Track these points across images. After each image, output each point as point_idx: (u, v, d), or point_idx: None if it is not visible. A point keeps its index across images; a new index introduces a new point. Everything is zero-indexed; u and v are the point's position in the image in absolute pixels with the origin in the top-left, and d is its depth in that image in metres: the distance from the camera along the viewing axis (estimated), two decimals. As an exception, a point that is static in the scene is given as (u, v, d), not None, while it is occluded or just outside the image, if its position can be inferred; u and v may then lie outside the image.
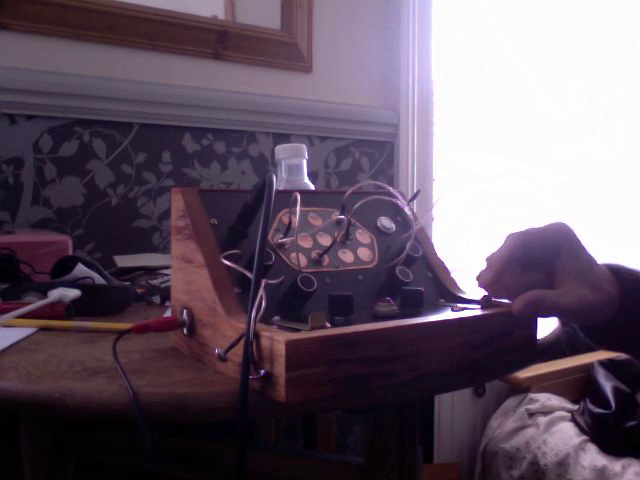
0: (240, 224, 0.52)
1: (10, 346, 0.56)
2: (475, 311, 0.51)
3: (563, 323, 0.54)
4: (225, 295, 0.47)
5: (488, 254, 0.52)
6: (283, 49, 1.41)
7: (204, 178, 1.33)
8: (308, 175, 0.87)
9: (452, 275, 0.61)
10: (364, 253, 0.57)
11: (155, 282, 0.87)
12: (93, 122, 1.20)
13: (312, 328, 0.43)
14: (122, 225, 1.23)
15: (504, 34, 1.82)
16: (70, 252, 0.90)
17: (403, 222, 0.62)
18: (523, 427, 1.46)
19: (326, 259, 0.55)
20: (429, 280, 0.59)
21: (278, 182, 0.85)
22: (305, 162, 0.87)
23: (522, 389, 1.56)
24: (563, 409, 1.50)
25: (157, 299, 0.81)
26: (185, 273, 0.52)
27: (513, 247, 0.51)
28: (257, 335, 0.42)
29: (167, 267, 0.97)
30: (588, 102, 2.04)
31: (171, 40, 1.27)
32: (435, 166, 1.65)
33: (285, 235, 0.53)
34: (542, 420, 1.45)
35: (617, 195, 2.13)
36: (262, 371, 0.41)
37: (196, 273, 0.50)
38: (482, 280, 0.51)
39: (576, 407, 1.50)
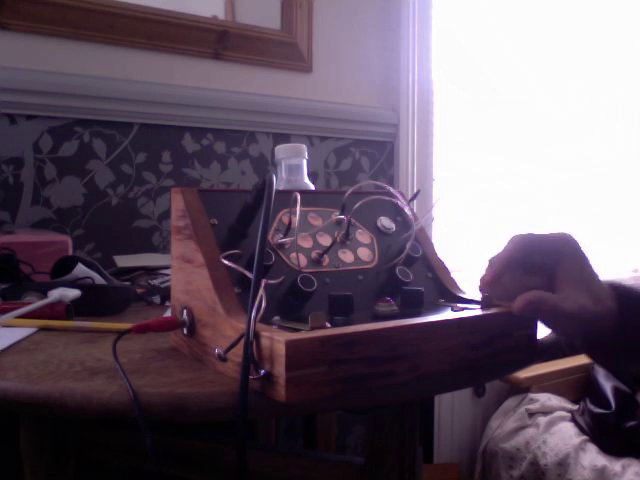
0: (240, 224, 0.52)
1: (10, 346, 0.56)
2: (475, 311, 0.51)
3: (558, 332, 0.53)
4: (225, 295, 0.47)
5: (491, 255, 0.52)
6: (283, 49, 1.41)
7: (204, 178, 1.33)
8: (308, 175, 0.87)
9: (452, 275, 0.61)
10: (364, 253, 0.58)
11: (155, 282, 0.87)
12: (93, 122, 1.20)
13: (312, 328, 0.43)
14: (122, 225, 1.23)
15: (504, 34, 1.82)
16: (70, 252, 0.90)
17: (403, 222, 0.62)
18: (523, 427, 1.46)
19: (326, 259, 0.55)
20: (429, 280, 0.59)
21: (278, 182, 0.85)
22: (305, 162, 0.87)
23: (522, 389, 1.56)
24: (563, 409, 1.50)
25: (157, 299, 0.81)
26: (185, 273, 0.52)
27: (515, 249, 0.51)
28: (257, 335, 0.42)
29: (167, 267, 0.97)
30: (588, 102, 2.04)
31: (171, 40, 1.27)
32: (435, 166, 1.64)
33: (285, 235, 0.53)
34: (542, 420, 1.45)
35: (617, 195, 2.13)
36: (262, 371, 0.41)
37: (196, 273, 0.50)
38: (481, 280, 0.51)
39: (576, 407, 1.50)
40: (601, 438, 1.37)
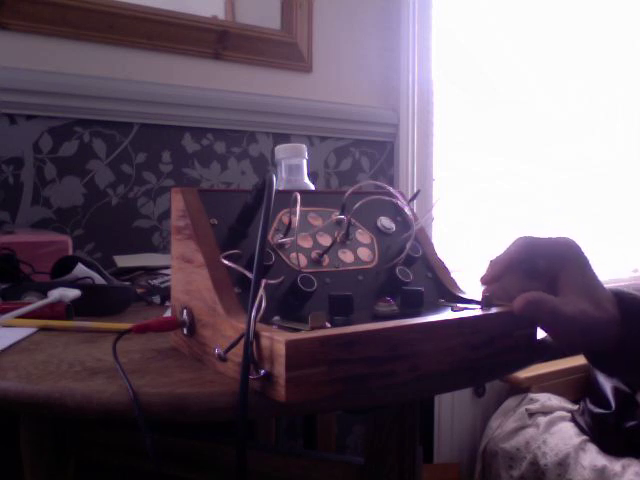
0: (240, 224, 0.52)
1: (10, 346, 0.56)
2: (475, 311, 0.51)
3: (559, 338, 0.52)
4: (225, 295, 0.47)
5: (493, 256, 0.52)
6: (283, 49, 1.41)
7: (204, 178, 1.33)
8: (308, 175, 0.87)
9: (452, 275, 0.61)
10: (364, 253, 0.57)
11: (155, 282, 0.87)
12: (93, 122, 1.20)
13: (312, 328, 0.43)
14: (122, 225, 1.23)
15: (504, 34, 1.82)
16: (70, 252, 0.90)
17: (403, 222, 0.62)
18: (523, 427, 1.46)
19: (326, 259, 0.55)
20: (429, 280, 0.59)
21: (278, 182, 0.85)
22: (305, 162, 0.87)
23: (522, 389, 1.56)
24: (563, 409, 1.50)
25: (157, 299, 0.81)
26: (185, 273, 0.52)
27: (517, 251, 0.51)
28: (257, 335, 0.42)
29: (167, 267, 0.97)
30: (588, 102, 2.04)
31: (171, 40, 1.27)
32: (435, 166, 1.65)
33: (285, 235, 0.53)
34: (542, 420, 1.45)
35: (617, 195, 2.13)
36: (262, 371, 0.41)
37: (196, 273, 0.50)
38: (481, 280, 0.51)
39: (576, 407, 1.50)
40: (601, 438, 1.37)
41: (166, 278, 0.88)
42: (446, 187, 1.70)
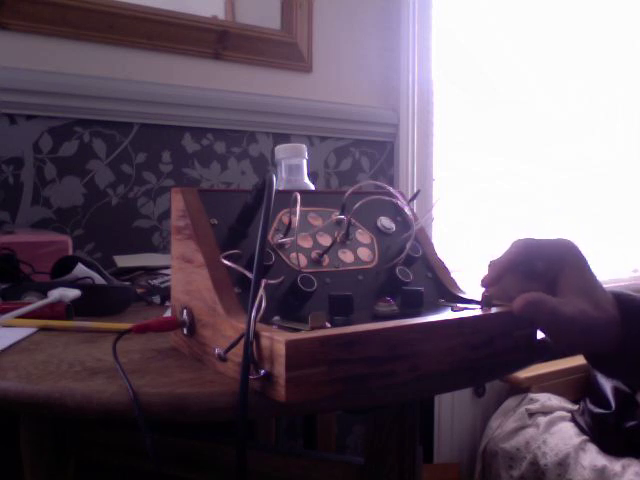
0: (240, 224, 0.52)
1: (10, 346, 0.56)
2: (475, 311, 0.51)
3: (559, 339, 0.52)
4: (225, 295, 0.47)
5: (492, 258, 0.52)
6: (283, 49, 1.41)
7: (204, 178, 1.33)
8: (308, 175, 0.87)
9: (452, 275, 0.61)
10: (364, 253, 0.57)
11: (155, 282, 0.87)
12: (93, 122, 1.20)
13: (312, 328, 0.43)
14: (122, 225, 1.23)
15: (504, 34, 1.82)
16: (70, 252, 0.90)
17: (403, 222, 0.62)
18: (523, 427, 1.46)
19: (326, 259, 0.55)
20: (429, 280, 0.59)
21: (278, 182, 0.85)
22: (305, 162, 0.87)
23: (522, 389, 1.56)
24: (563, 409, 1.50)
25: (157, 299, 0.81)
26: (185, 273, 0.52)
27: (517, 253, 0.51)
28: (257, 335, 0.42)
29: (167, 267, 0.97)
30: (588, 102, 2.04)
31: (171, 40, 1.27)
32: (435, 166, 1.65)
33: (285, 235, 0.53)
34: (542, 420, 1.45)
35: (617, 195, 2.13)
36: (262, 371, 0.41)
37: (196, 273, 0.50)
38: (482, 281, 0.51)
39: (576, 407, 1.50)
40: (601, 438, 1.37)
41: (166, 278, 0.88)
42: (446, 187, 1.70)
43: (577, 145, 2.02)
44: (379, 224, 0.61)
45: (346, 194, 0.57)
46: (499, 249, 0.53)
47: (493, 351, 0.50)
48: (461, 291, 0.59)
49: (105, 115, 1.20)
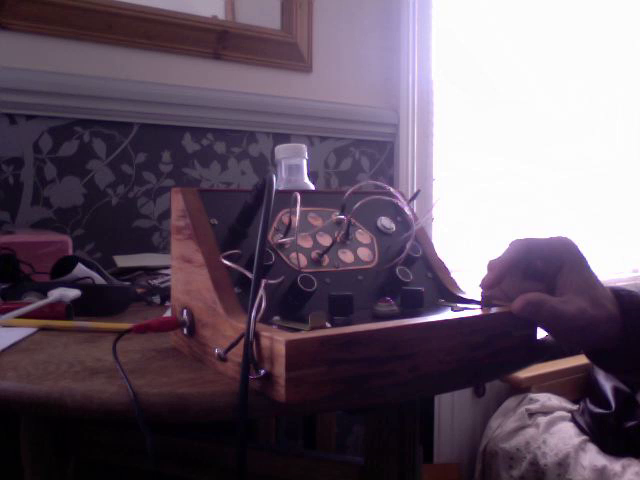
0: (240, 224, 0.52)
1: (10, 346, 0.56)
2: (475, 311, 0.51)
3: (559, 337, 0.52)
4: (225, 295, 0.47)
5: (491, 259, 0.52)
6: (283, 49, 1.41)
7: (204, 178, 1.33)
8: (308, 175, 0.87)
9: (452, 275, 0.61)
10: (364, 253, 0.57)
11: (155, 282, 0.87)
12: (93, 122, 1.20)
13: (312, 328, 0.43)
14: (122, 225, 1.23)
15: (504, 34, 1.82)
16: (70, 252, 0.90)
17: (403, 222, 0.62)
18: (523, 427, 1.46)
19: (326, 259, 0.55)
20: (429, 280, 0.59)
21: (278, 182, 0.85)
22: (305, 162, 0.87)
23: (522, 389, 1.56)
24: (563, 409, 1.50)
25: (157, 299, 0.81)
26: (185, 273, 0.52)
27: (515, 253, 0.51)
28: (257, 335, 0.42)
29: (167, 267, 0.97)
30: (588, 102, 2.04)
31: (171, 40, 1.27)
32: (435, 166, 1.65)
33: (285, 235, 0.53)
34: (542, 420, 1.45)
35: (617, 195, 2.13)
36: (262, 371, 0.41)
37: (196, 273, 0.50)
38: (482, 283, 0.51)
39: (576, 407, 1.50)
40: (601, 438, 1.37)
41: (166, 278, 0.88)
42: (446, 187, 1.70)
43: (577, 145, 2.02)
44: (379, 224, 0.61)
45: (346, 194, 0.57)
46: (499, 249, 0.53)
47: (493, 351, 0.50)
48: (461, 291, 0.59)
49: (105, 115, 1.20)
